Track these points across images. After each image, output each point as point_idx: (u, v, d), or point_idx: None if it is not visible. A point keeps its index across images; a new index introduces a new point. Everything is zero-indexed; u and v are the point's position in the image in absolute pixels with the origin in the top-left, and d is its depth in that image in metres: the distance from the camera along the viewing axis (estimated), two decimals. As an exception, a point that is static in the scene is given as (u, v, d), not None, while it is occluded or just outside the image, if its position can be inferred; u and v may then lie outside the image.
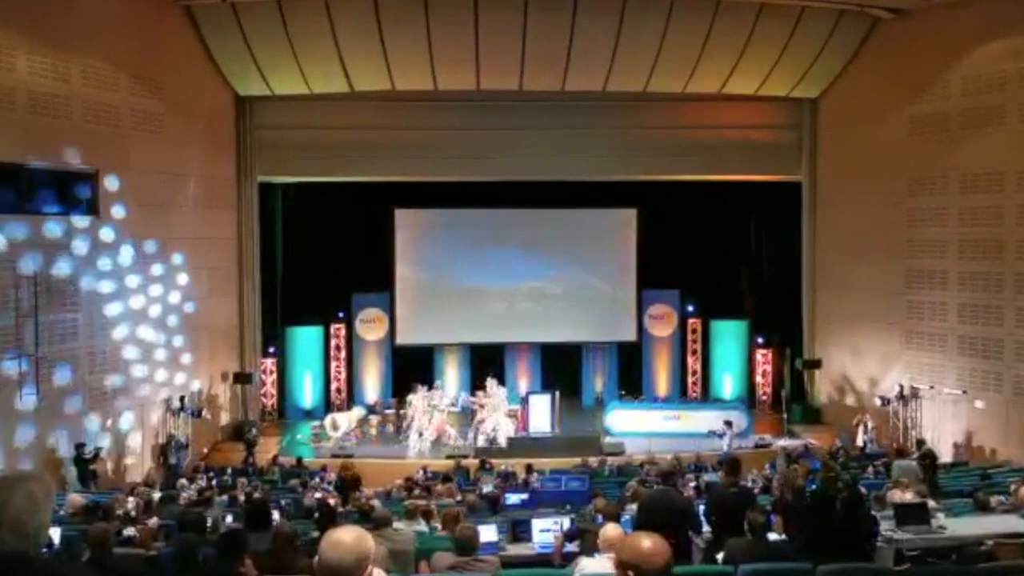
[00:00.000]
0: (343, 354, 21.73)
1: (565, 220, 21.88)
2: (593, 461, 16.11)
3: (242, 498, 11.27)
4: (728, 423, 17.54)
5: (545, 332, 21.92)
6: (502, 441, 18.03)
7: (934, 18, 16.87)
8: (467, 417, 18.95)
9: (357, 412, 19.95)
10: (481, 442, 18.02)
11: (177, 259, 17.27)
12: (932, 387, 17.15)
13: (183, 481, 12.99)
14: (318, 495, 11.65)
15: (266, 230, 20.27)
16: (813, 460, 14.09)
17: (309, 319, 21.43)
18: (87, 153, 15.01)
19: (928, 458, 12.80)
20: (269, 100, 19.32)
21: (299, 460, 16.43)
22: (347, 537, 2.39)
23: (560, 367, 22.37)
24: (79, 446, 14.22)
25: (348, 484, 12.95)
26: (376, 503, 9.82)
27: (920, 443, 15.99)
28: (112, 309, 15.63)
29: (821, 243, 20.26)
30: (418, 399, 18.62)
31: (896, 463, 11.78)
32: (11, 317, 13.51)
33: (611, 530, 5.19)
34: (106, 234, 15.49)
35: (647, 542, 2.71)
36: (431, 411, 18.45)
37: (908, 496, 8.58)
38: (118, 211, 15.67)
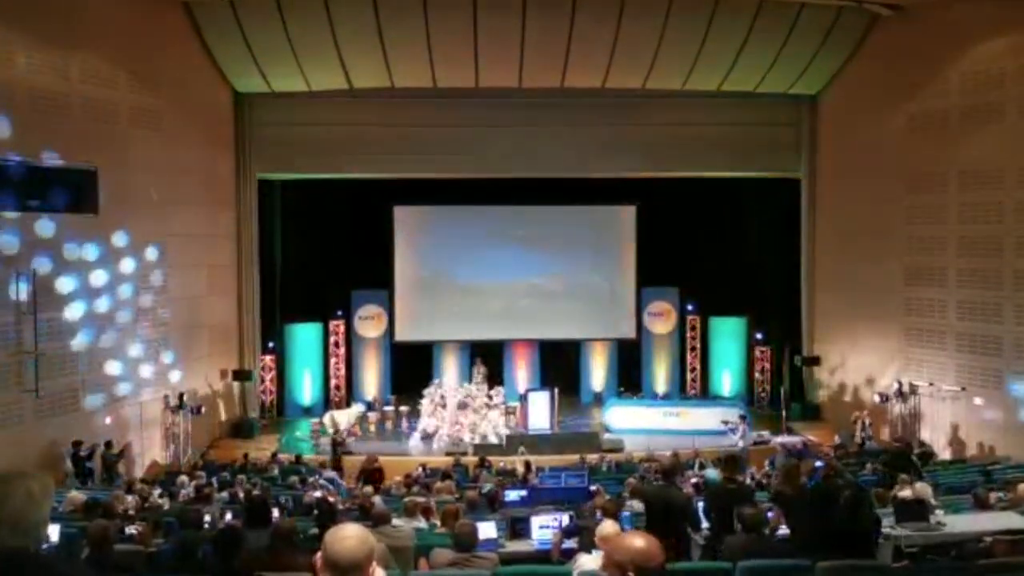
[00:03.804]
0: (342, 351, 21.73)
1: (564, 217, 21.89)
2: (592, 458, 16.13)
3: (241, 495, 11.27)
4: (742, 417, 17.56)
5: (544, 329, 21.92)
6: (493, 439, 18.11)
7: (933, 15, 16.86)
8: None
9: (356, 409, 19.96)
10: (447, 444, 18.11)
11: (176, 256, 17.27)
12: (931, 384, 17.16)
13: (183, 478, 13.00)
14: (317, 493, 11.65)
15: (265, 227, 20.25)
16: (816, 458, 14.08)
17: (308, 316, 21.43)
18: (86, 150, 14.99)
19: (903, 457, 12.87)
20: (268, 97, 19.30)
21: (298, 457, 16.47)
22: (355, 532, 2.39)
23: (559, 364, 22.39)
24: (76, 444, 14.23)
25: (372, 478, 13.92)
26: (376, 500, 9.82)
27: (897, 440, 16.04)
28: (111, 306, 15.64)
29: (820, 240, 20.26)
30: (451, 397, 18.76)
31: None
32: (10, 315, 13.52)
33: (608, 527, 5.18)
34: (105, 231, 15.49)
35: (641, 541, 2.66)
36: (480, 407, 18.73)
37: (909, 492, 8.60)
38: (117, 208, 15.66)
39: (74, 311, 14.81)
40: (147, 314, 16.59)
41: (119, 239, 15.80)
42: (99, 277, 15.34)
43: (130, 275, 16.12)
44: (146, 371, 16.59)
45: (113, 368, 15.71)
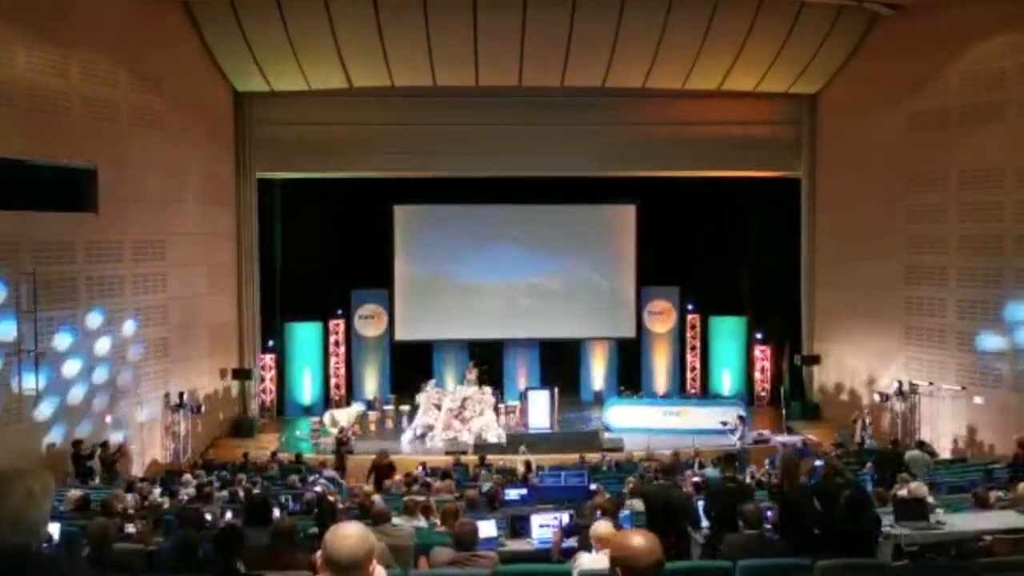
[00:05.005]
0: (342, 350, 21.73)
1: (564, 216, 21.89)
2: (592, 457, 16.12)
3: (242, 494, 11.27)
4: (741, 417, 17.57)
5: (544, 328, 21.92)
6: (492, 439, 18.13)
7: (933, 14, 16.85)
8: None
9: (356, 408, 19.96)
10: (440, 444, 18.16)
11: (176, 255, 17.26)
12: (931, 383, 17.16)
13: (187, 476, 13.00)
14: (317, 488, 11.66)
15: (265, 226, 20.25)
16: (816, 457, 14.09)
17: (308, 315, 21.42)
18: (86, 149, 15.00)
19: (893, 457, 12.91)
20: (268, 96, 19.29)
21: (298, 456, 16.47)
22: (355, 531, 2.39)
23: (559, 363, 22.39)
24: (77, 443, 14.22)
25: (382, 474, 14.40)
26: (376, 499, 9.82)
27: (892, 442, 16.07)
28: (111, 305, 15.63)
29: (820, 239, 20.27)
30: (445, 399, 18.83)
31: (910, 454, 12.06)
32: (11, 313, 13.51)
33: (602, 527, 5.17)
34: (105, 230, 15.49)
35: (637, 539, 2.66)
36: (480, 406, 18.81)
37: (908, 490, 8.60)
38: (117, 207, 15.66)
39: (73, 310, 14.80)
40: (146, 312, 16.58)
41: (118, 238, 15.81)
42: (98, 276, 15.33)
43: (129, 274, 16.11)
44: (146, 369, 16.58)
45: (113, 366, 15.70)
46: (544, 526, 7.61)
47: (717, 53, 18.15)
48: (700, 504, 7.13)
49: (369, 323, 21.88)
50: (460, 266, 21.75)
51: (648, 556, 2.60)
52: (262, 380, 20.60)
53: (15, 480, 2.32)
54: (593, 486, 11.05)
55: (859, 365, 19.30)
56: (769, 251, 21.64)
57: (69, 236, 14.79)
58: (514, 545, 7.44)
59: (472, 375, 19.66)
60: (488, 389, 19.43)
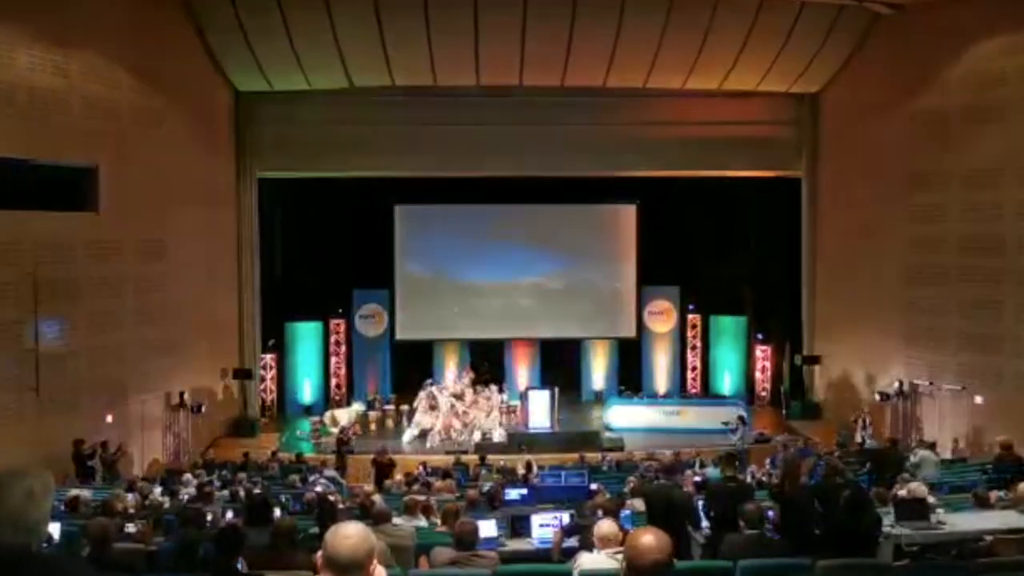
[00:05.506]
0: (343, 350, 21.74)
1: (565, 216, 21.90)
2: (593, 457, 16.12)
3: (242, 494, 11.27)
4: (741, 418, 17.57)
5: (544, 328, 21.94)
6: (494, 438, 18.15)
7: (934, 14, 16.84)
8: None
9: (356, 408, 19.97)
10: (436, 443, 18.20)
11: (176, 255, 17.26)
12: (931, 383, 17.15)
13: (188, 476, 13.00)
14: (318, 488, 11.66)
15: (265, 226, 20.24)
16: (816, 457, 14.09)
17: (308, 315, 21.44)
18: (86, 149, 15.00)
19: (889, 456, 12.91)
20: (268, 96, 19.28)
21: (299, 455, 16.47)
22: (356, 531, 2.39)
23: (559, 363, 22.40)
24: (77, 443, 14.22)
25: (383, 470, 14.67)
26: (376, 498, 9.81)
27: (892, 440, 16.07)
28: (111, 305, 15.63)
29: (821, 239, 20.26)
30: (442, 398, 18.85)
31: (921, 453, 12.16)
32: (11, 313, 13.52)
33: (605, 526, 5.16)
34: (105, 230, 15.49)
35: (645, 538, 2.69)
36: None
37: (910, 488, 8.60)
38: (117, 207, 15.66)
39: (73, 309, 14.81)
40: (146, 312, 16.58)
41: (119, 237, 15.82)
42: (98, 275, 15.34)
43: (129, 273, 16.12)
44: (147, 369, 16.58)
45: (113, 366, 15.70)
46: (544, 526, 7.61)
47: (718, 53, 18.15)
48: (700, 504, 7.13)
49: (370, 323, 21.88)
50: (460, 266, 21.76)
51: (650, 554, 2.64)
52: (262, 380, 20.60)
53: (15, 480, 2.32)
54: (593, 486, 11.05)
55: (859, 365, 19.29)
56: (769, 251, 21.64)
57: (69, 236, 14.79)
58: (514, 545, 7.44)
59: (468, 378, 19.65)
60: (494, 387, 19.45)
